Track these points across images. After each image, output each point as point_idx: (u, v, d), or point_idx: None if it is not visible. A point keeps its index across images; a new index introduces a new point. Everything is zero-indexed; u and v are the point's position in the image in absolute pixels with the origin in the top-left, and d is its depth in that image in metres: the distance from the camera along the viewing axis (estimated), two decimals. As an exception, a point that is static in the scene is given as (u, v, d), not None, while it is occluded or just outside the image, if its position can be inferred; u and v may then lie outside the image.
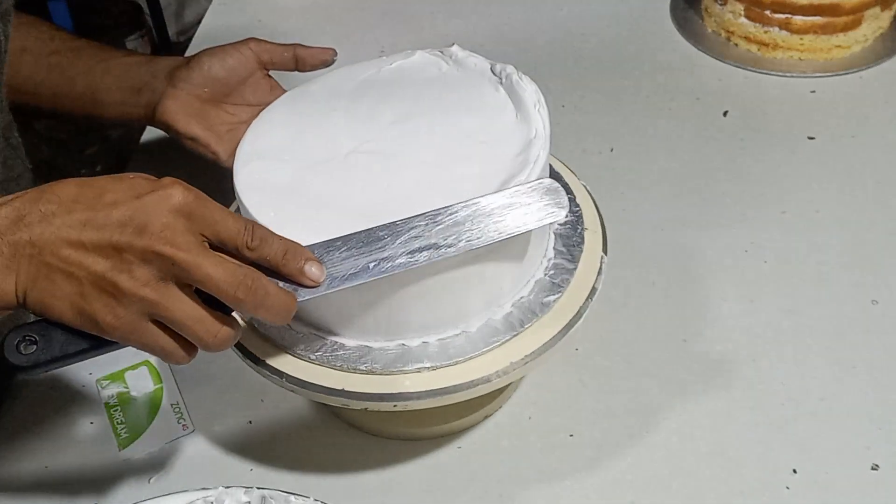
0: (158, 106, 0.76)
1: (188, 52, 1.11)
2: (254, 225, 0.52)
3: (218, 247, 0.51)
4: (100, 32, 2.46)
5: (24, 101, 0.80)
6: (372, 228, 0.55)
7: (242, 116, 0.77)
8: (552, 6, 1.16)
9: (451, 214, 0.56)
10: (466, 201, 0.56)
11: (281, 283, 0.53)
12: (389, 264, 0.54)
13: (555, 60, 1.07)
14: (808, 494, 0.65)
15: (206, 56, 0.77)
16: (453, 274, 0.58)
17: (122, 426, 0.71)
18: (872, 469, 0.66)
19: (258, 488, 0.59)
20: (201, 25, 1.18)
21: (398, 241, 0.55)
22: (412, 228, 0.55)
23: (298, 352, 0.61)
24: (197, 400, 0.73)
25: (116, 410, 0.72)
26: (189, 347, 0.52)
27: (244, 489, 0.58)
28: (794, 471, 0.66)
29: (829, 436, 0.68)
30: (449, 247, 0.55)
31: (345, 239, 0.55)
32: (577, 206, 0.68)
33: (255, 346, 0.61)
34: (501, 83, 0.65)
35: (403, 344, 0.60)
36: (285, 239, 0.53)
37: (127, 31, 2.43)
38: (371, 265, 0.54)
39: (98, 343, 0.51)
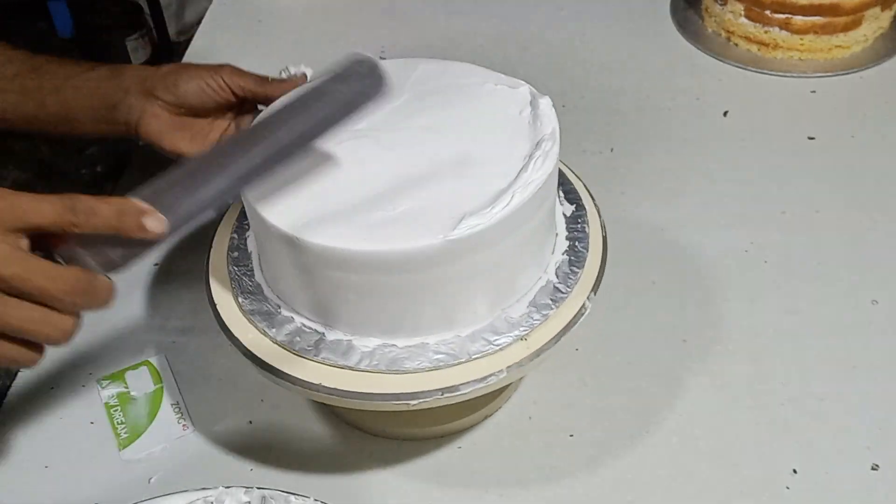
0: (140, 126, 0.75)
1: (188, 53, 1.12)
2: (74, 200, 0.49)
3: (43, 235, 0.50)
4: (100, 32, 2.46)
5: (0, 127, 0.78)
6: (195, 159, 0.54)
7: (223, 125, 0.76)
8: (552, 6, 1.16)
9: (276, 125, 0.56)
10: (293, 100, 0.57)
11: (119, 247, 0.51)
12: (224, 188, 0.53)
13: (555, 60, 1.07)
14: (808, 494, 0.65)
15: (183, 80, 0.75)
16: (455, 274, 0.57)
17: (122, 426, 0.71)
18: (872, 469, 0.66)
19: (258, 488, 0.59)
20: (201, 25, 1.18)
21: (226, 169, 0.53)
22: (244, 152, 0.54)
23: (300, 351, 0.60)
24: (197, 400, 0.73)
25: (116, 410, 0.72)
26: (36, 347, 0.51)
27: (244, 489, 0.58)
28: (794, 471, 0.66)
29: (829, 436, 0.68)
30: (280, 150, 0.54)
31: (169, 178, 0.53)
32: (581, 206, 0.68)
33: (279, 361, 0.61)
34: (530, 104, 0.65)
35: (403, 344, 0.60)
36: (113, 199, 0.50)
37: (127, 31, 2.43)
38: (206, 197, 0.52)
39: None
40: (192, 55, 1.12)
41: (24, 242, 0.49)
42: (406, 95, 0.65)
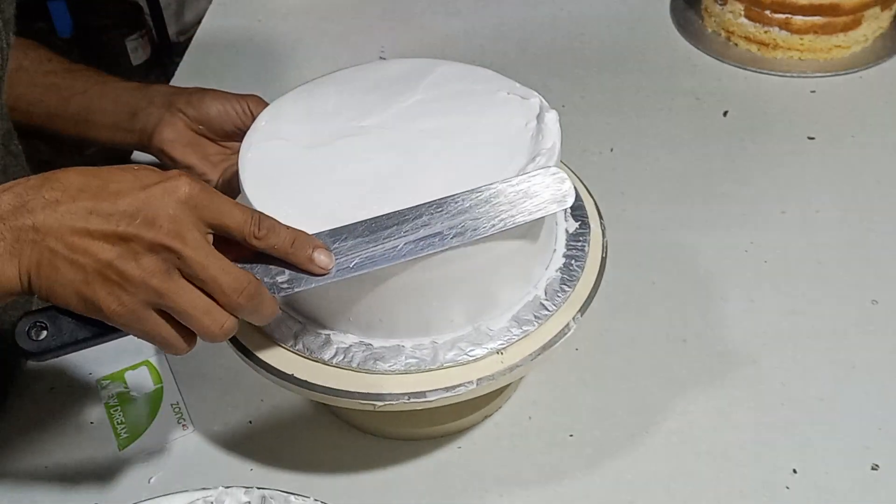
0: (155, 133, 0.76)
1: (188, 53, 1.12)
2: (260, 215, 0.53)
3: (223, 238, 0.52)
4: (100, 32, 2.46)
5: (17, 119, 0.79)
6: (378, 217, 0.56)
7: (234, 148, 0.77)
8: (552, 6, 1.16)
9: (456, 203, 0.56)
10: (473, 190, 0.57)
11: (286, 273, 0.54)
12: (395, 253, 0.55)
13: (555, 60, 1.07)
14: (808, 494, 0.65)
15: (209, 98, 0.77)
16: (429, 281, 0.57)
17: (122, 426, 0.71)
18: (872, 469, 0.66)
19: (258, 488, 0.59)
20: (201, 25, 1.18)
21: (404, 230, 0.55)
22: (418, 217, 0.56)
23: (299, 351, 0.60)
24: (197, 400, 0.73)
25: (116, 410, 0.72)
26: (190, 337, 0.53)
27: (244, 489, 0.58)
28: (794, 471, 0.66)
29: (829, 436, 0.68)
30: (455, 235, 0.55)
31: (350, 228, 0.55)
32: (586, 224, 0.67)
33: (256, 346, 0.61)
34: (536, 117, 0.65)
35: (379, 344, 0.60)
36: (293, 228, 0.54)
37: (127, 31, 2.43)
38: (377, 254, 0.55)
39: (105, 330, 0.52)
40: (191, 55, 1.12)
41: (210, 238, 0.52)
42: (419, 96, 0.65)
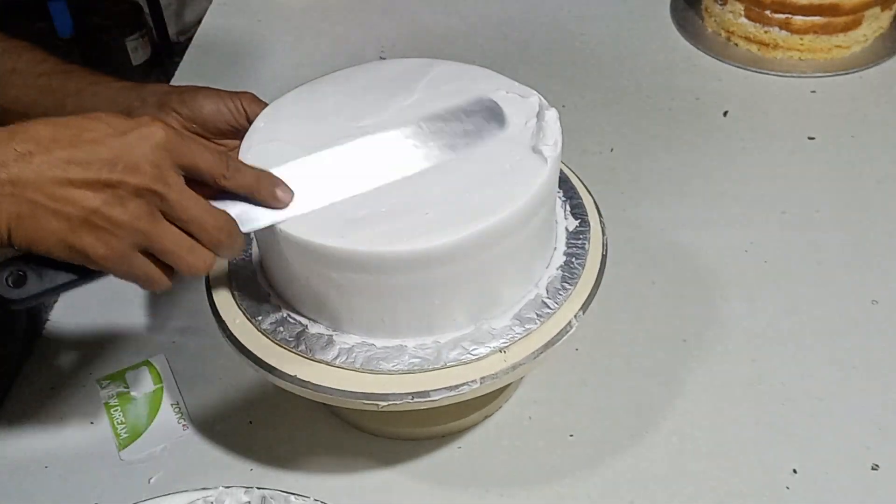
0: None
1: (188, 53, 1.12)
2: (229, 155, 0.56)
3: (196, 178, 0.54)
4: (100, 32, 2.46)
5: (11, 121, 0.79)
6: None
7: (229, 146, 0.77)
8: (552, 6, 1.16)
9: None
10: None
11: (238, 205, 0.56)
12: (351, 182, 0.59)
13: (555, 60, 1.07)
14: (808, 494, 0.65)
15: (202, 96, 0.76)
16: (430, 281, 0.57)
17: (122, 426, 0.71)
18: (872, 469, 0.66)
19: (258, 488, 0.59)
20: (201, 25, 1.18)
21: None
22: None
23: (302, 352, 0.60)
24: (197, 400, 0.73)
25: (116, 410, 0.72)
26: (170, 273, 0.55)
27: (244, 489, 0.59)
28: (794, 471, 0.66)
29: (829, 436, 0.68)
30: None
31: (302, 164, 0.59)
32: (586, 222, 0.67)
33: (258, 347, 0.61)
34: (536, 115, 0.65)
35: (382, 344, 0.60)
36: (255, 167, 0.57)
37: (127, 31, 2.43)
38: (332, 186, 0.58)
39: (86, 273, 0.53)
40: (191, 55, 1.12)
41: (183, 180, 0.54)
42: (417, 95, 0.65)
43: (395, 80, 0.67)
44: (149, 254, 0.53)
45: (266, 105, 0.75)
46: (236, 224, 0.56)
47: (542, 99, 0.64)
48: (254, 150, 0.63)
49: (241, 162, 0.57)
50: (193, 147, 0.54)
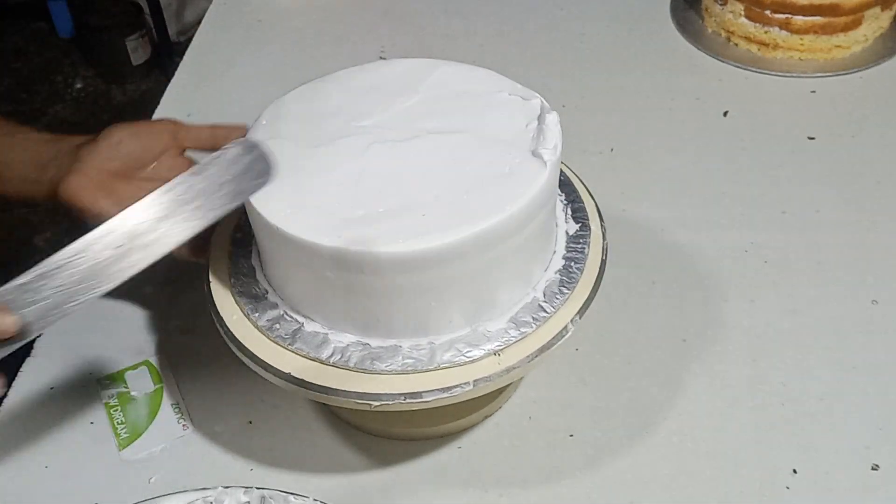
0: (62, 183, 0.70)
1: (188, 52, 1.12)
2: None
3: None
4: (100, 32, 2.46)
5: None
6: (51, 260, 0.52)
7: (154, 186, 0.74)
8: (552, 6, 1.16)
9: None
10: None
11: None
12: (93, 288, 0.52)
13: (555, 60, 1.07)
14: (808, 494, 0.65)
15: (118, 130, 0.72)
16: (424, 282, 0.57)
17: (122, 426, 0.71)
18: (872, 469, 0.66)
19: (258, 488, 0.59)
20: (201, 25, 1.18)
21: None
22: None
23: (298, 350, 0.61)
24: (197, 400, 0.73)
25: (116, 410, 0.72)
26: None
27: (244, 489, 0.59)
28: (794, 471, 0.66)
29: (829, 436, 0.68)
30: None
31: (35, 276, 0.51)
32: (586, 226, 0.67)
33: (255, 345, 0.61)
34: (537, 118, 0.64)
35: (377, 344, 0.60)
36: None
37: (127, 31, 2.43)
38: (72, 297, 0.51)
39: None
40: (192, 55, 1.12)
41: None
42: (420, 96, 0.65)
43: (397, 80, 0.67)
44: None
45: (187, 125, 0.73)
46: None
47: (544, 102, 0.64)
48: None
49: None
50: None
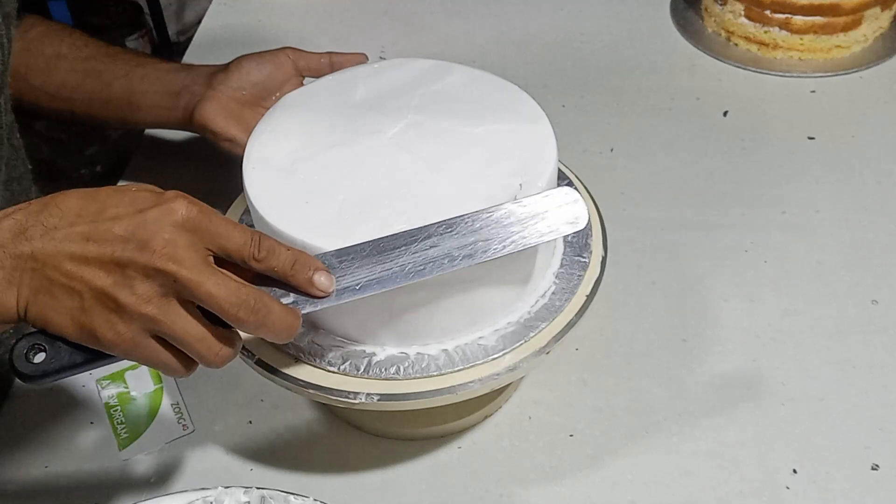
0: (197, 108, 0.77)
1: (188, 52, 1.12)
2: (261, 236, 0.51)
3: (225, 260, 0.50)
4: (100, 32, 2.46)
5: (59, 107, 0.80)
6: (386, 237, 0.54)
7: None
8: (552, 6, 1.16)
9: (466, 223, 0.55)
10: (483, 210, 0.55)
11: (291, 295, 0.52)
12: (402, 275, 0.53)
13: (555, 60, 1.07)
14: (808, 494, 0.65)
15: (246, 61, 0.78)
16: (458, 280, 0.57)
17: (122, 426, 0.71)
18: (872, 469, 0.66)
19: (258, 488, 0.59)
20: (201, 25, 1.18)
21: (412, 251, 0.54)
22: (426, 238, 0.54)
23: (299, 353, 0.61)
24: (197, 400, 0.73)
25: (116, 410, 0.72)
26: (189, 362, 0.51)
27: (244, 489, 0.58)
28: (794, 471, 0.66)
29: (829, 436, 0.68)
30: (464, 257, 0.54)
31: (357, 248, 0.54)
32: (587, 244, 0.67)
33: (256, 346, 0.61)
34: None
35: (403, 351, 0.60)
36: (294, 249, 0.52)
37: (127, 31, 2.43)
38: (385, 276, 0.53)
39: (103, 354, 0.50)
40: (192, 55, 1.12)
41: (211, 260, 0.50)
42: (424, 102, 0.65)
43: (402, 84, 0.67)
44: (165, 339, 0.49)
45: (307, 53, 0.78)
46: (264, 299, 0.50)
47: (543, 113, 0.63)
48: (257, 153, 0.63)
49: (276, 242, 0.51)
50: (220, 226, 0.49)
